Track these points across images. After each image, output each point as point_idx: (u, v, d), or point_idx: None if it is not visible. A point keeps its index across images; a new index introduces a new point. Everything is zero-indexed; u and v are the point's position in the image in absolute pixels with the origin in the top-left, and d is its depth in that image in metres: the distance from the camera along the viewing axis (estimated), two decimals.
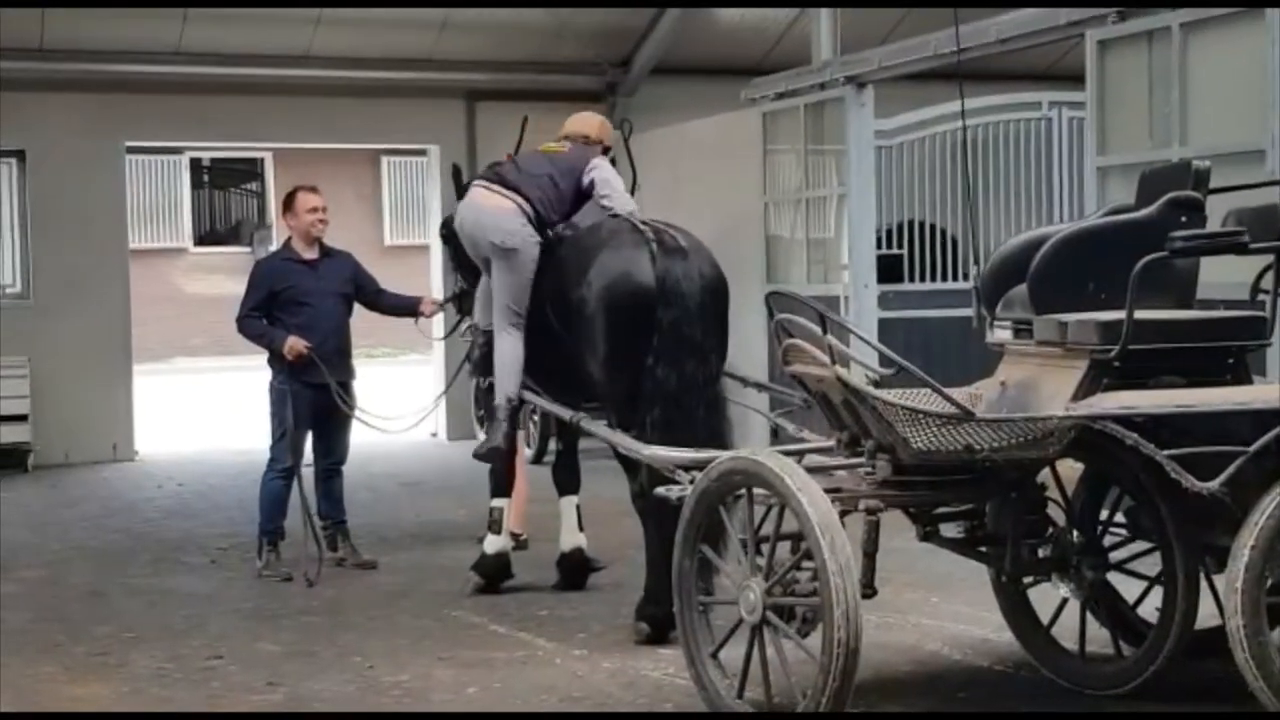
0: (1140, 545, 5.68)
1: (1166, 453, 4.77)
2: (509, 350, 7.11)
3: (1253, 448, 4.74)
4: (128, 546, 9.38)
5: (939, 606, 6.96)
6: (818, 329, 5.24)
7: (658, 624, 6.47)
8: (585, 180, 7.20)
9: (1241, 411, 4.87)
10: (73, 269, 13.18)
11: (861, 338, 5.17)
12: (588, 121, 7.68)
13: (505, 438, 7.20)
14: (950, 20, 9.13)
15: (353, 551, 8.53)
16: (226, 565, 8.68)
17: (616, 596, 7.36)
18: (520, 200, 7.08)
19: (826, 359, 5.14)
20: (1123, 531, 5.71)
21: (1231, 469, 4.72)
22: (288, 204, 8.57)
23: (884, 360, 5.10)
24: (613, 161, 7.56)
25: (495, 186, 7.18)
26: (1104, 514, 5.74)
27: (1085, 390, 5.00)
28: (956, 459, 5.05)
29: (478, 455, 7.42)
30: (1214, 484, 4.72)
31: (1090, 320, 5.08)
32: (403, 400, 9.28)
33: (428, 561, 8.62)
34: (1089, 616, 5.74)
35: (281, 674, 6.23)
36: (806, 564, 4.91)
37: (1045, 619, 5.81)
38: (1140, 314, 4.93)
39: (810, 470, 5.11)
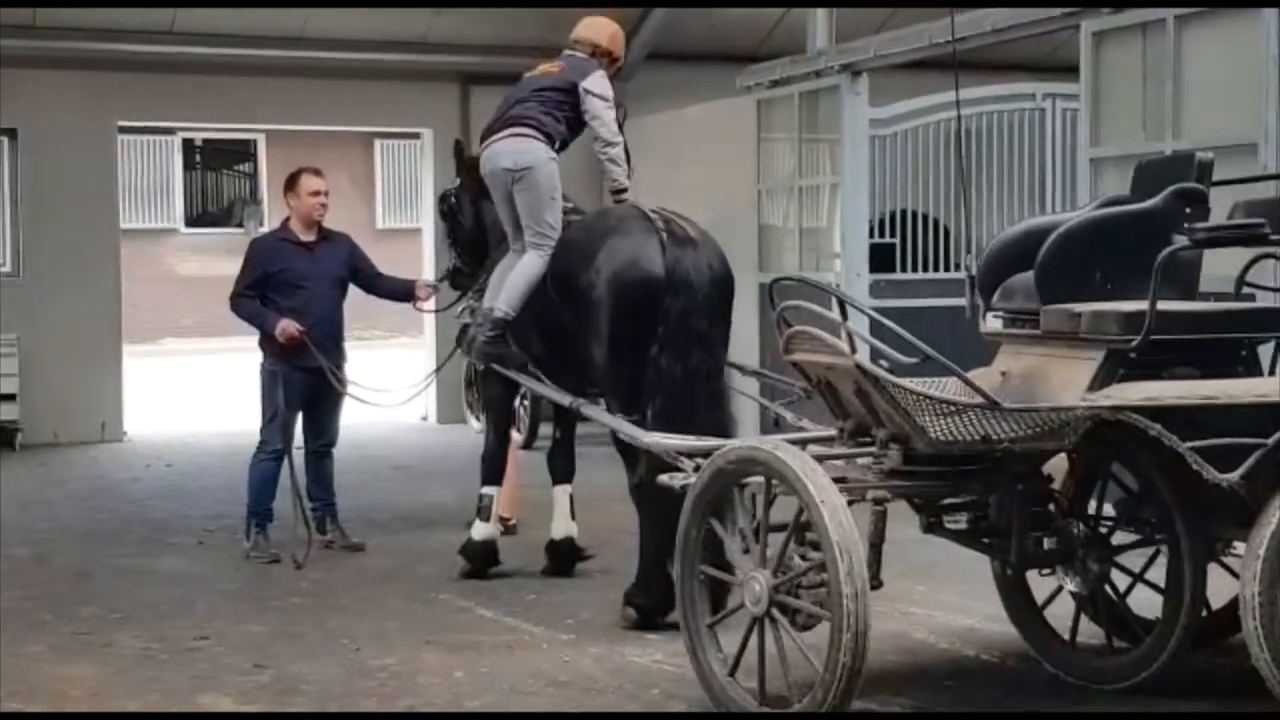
0: (1137, 539, 5.66)
1: (1188, 445, 4.71)
2: (531, 268, 7.00)
3: (1272, 440, 4.69)
4: (115, 527, 9.37)
5: (927, 595, 6.97)
6: (825, 315, 5.21)
7: (645, 613, 6.46)
8: (582, 106, 7.14)
9: (1259, 404, 4.82)
10: (64, 248, 13.14)
11: (888, 325, 5.03)
12: (600, 28, 7.43)
13: (492, 344, 7.15)
14: (946, 10, 9.12)
15: (341, 534, 8.52)
16: (214, 546, 8.67)
17: (605, 582, 7.36)
18: (521, 129, 7.06)
19: (845, 346, 5.10)
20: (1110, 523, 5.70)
21: (1251, 461, 4.67)
22: (290, 184, 8.53)
23: (904, 349, 5.05)
24: (617, 72, 7.46)
25: (496, 134, 7.16)
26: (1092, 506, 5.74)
27: (1101, 381, 4.96)
28: (970, 449, 5.02)
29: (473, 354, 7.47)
30: (1234, 475, 4.67)
31: (1110, 310, 5.03)
32: (394, 382, 9.24)
33: (416, 545, 8.61)
34: (1091, 612, 5.73)
35: (268, 655, 6.23)
36: (813, 554, 4.87)
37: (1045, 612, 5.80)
38: (1159, 305, 4.90)
39: (818, 460, 5.06)
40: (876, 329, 5.18)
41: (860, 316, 5.62)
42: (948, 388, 5.15)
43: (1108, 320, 5.02)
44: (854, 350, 5.08)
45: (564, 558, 7.66)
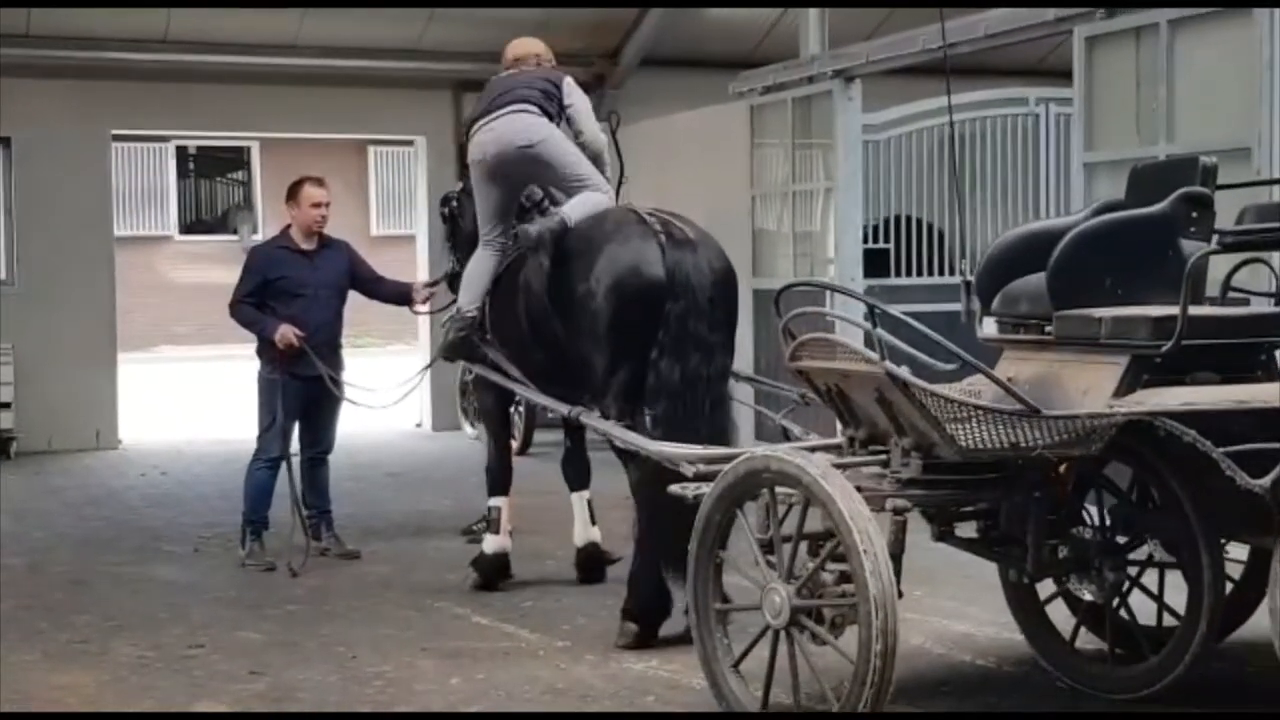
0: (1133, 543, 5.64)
1: (1222, 450, 4.63)
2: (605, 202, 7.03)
3: None
4: (110, 535, 9.36)
5: (923, 601, 6.96)
6: (830, 321, 5.14)
7: (644, 618, 6.37)
8: (565, 100, 7.18)
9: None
10: (58, 256, 13.16)
11: (926, 333, 4.90)
12: (533, 44, 7.55)
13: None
14: (938, 15, 9.13)
15: (336, 541, 8.52)
16: (209, 554, 8.67)
17: (601, 589, 7.37)
18: (524, 105, 7.04)
19: (871, 353, 5.00)
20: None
21: None
22: (292, 193, 8.52)
23: (943, 356, 5.00)
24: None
25: (493, 114, 7.06)
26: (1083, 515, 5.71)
27: (1126, 387, 4.91)
28: (994, 457, 4.97)
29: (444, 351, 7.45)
30: (1265, 481, 4.59)
31: (1137, 315, 4.99)
32: (377, 400, 9.24)
33: (412, 552, 8.61)
34: (1091, 623, 5.71)
35: (263, 663, 6.22)
36: (832, 565, 4.82)
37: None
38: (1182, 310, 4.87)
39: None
40: (896, 335, 5.11)
41: (867, 322, 5.54)
42: (958, 394, 5.10)
43: (1135, 325, 4.95)
44: (883, 357, 4.99)
45: (590, 563, 7.65)
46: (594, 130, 7.25)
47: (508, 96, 7.10)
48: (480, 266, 7.27)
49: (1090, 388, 5.00)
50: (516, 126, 7.00)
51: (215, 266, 25.20)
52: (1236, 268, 5.69)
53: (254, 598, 7.51)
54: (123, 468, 12.44)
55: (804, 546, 5.03)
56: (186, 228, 28.08)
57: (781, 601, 4.89)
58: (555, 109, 7.16)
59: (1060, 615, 5.79)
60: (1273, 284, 5.75)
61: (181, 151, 27.66)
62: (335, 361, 8.41)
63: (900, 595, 4.82)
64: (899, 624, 4.61)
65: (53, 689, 5.91)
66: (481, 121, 7.11)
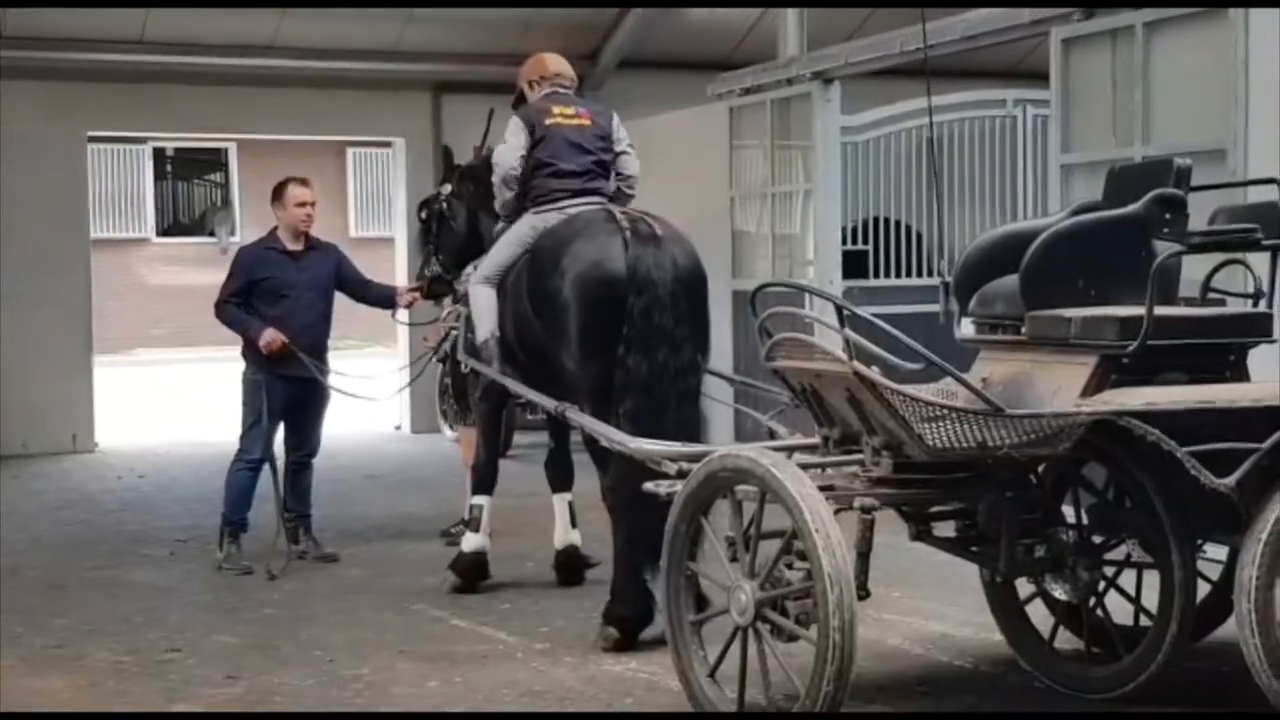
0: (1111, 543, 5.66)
1: (1186, 449, 4.68)
2: None
3: (1266, 444, 4.67)
4: (87, 538, 9.32)
5: (900, 602, 6.98)
6: (806, 320, 5.15)
7: (626, 626, 6.37)
8: (617, 148, 7.39)
9: (1250, 408, 4.80)
10: (34, 258, 13.08)
11: (892, 333, 4.90)
12: (565, 64, 7.71)
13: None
14: (917, 17, 9.15)
15: (314, 544, 8.49)
16: (186, 557, 8.63)
17: (579, 591, 7.37)
18: (601, 201, 7.10)
19: (840, 353, 5.01)
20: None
21: (1248, 465, 4.64)
22: (277, 194, 8.50)
23: (894, 355, 5.03)
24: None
25: (577, 199, 7.02)
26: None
27: (1094, 386, 4.95)
28: (965, 456, 4.99)
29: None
30: (1230, 480, 4.64)
31: (1105, 316, 5.02)
32: (370, 392, 9.22)
33: (390, 555, 8.59)
34: (1069, 622, 5.72)
35: (240, 667, 6.20)
36: (800, 564, 4.83)
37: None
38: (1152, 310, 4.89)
39: (803, 468, 5.01)
40: (871, 335, 5.12)
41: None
42: (932, 394, 5.12)
43: (1102, 326, 4.99)
44: (851, 357, 5.01)
45: (569, 566, 7.64)
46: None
47: (588, 181, 7.12)
48: (486, 300, 7.20)
49: (1060, 387, 5.04)
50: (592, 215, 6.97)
51: (193, 269, 25.15)
52: (1216, 269, 5.71)
53: (231, 601, 7.48)
54: (99, 471, 12.38)
55: (769, 547, 5.03)
56: (164, 230, 27.99)
57: (746, 598, 4.92)
58: (607, 171, 7.28)
59: (1040, 615, 5.80)
60: (1251, 285, 5.78)
61: (159, 153, 27.56)
62: (320, 363, 8.38)
63: (868, 593, 4.88)
64: (855, 600, 4.64)
65: (28, 694, 5.88)
66: (573, 203, 7.00)
